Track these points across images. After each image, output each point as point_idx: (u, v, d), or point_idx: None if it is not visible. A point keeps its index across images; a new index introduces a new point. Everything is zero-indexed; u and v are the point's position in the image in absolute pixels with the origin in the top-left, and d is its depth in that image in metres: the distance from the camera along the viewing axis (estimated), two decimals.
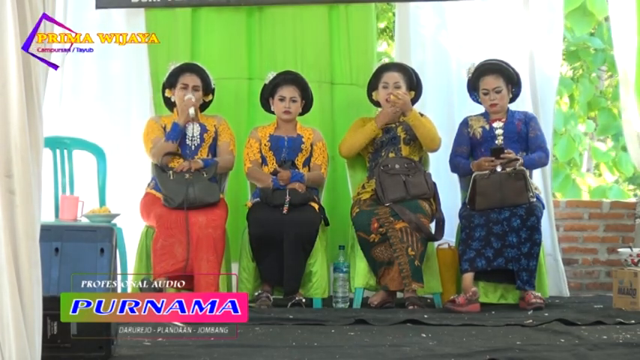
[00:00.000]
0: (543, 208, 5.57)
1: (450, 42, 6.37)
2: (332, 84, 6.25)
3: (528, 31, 6.23)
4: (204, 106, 5.79)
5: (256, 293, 5.40)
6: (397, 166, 5.57)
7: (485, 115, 5.75)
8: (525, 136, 5.68)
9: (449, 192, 5.95)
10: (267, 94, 5.78)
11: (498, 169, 5.44)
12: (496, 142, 5.60)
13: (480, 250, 5.38)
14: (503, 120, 5.70)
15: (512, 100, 5.78)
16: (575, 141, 9.06)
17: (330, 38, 6.26)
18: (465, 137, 5.76)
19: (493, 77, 5.71)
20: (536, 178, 5.96)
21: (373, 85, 5.82)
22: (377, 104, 5.86)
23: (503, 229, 5.38)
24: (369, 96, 5.87)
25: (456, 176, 5.88)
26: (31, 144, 2.86)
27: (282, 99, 5.72)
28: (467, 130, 5.75)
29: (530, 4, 6.26)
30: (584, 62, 9.26)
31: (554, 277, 6.11)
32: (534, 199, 5.42)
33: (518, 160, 5.46)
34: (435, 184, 5.63)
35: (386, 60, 6.12)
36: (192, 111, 5.57)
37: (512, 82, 5.73)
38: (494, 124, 5.67)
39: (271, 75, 5.78)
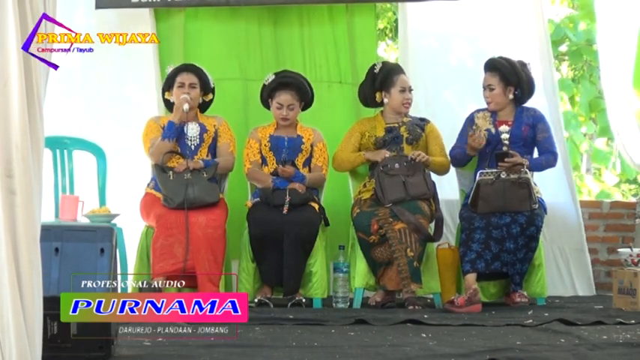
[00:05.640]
0: (545, 213, 5.56)
1: (451, 41, 6.36)
2: (333, 83, 6.25)
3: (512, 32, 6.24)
4: (204, 106, 5.77)
5: (256, 299, 5.40)
6: (397, 166, 5.55)
7: (492, 115, 5.71)
8: (532, 141, 5.65)
9: (450, 192, 5.95)
10: (266, 96, 5.75)
11: (503, 175, 5.43)
12: (503, 148, 5.56)
13: (480, 252, 5.39)
14: (510, 123, 5.62)
15: (520, 101, 5.68)
16: (577, 142, 9.06)
17: (334, 38, 6.27)
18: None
19: (489, 74, 5.67)
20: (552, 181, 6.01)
21: (384, 85, 5.67)
22: (379, 104, 5.79)
23: (502, 235, 5.38)
24: (372, 95, 5.78)
25: (454, 177, 5.87)
26: (32, 144, 2.86)
27: (279, 107, 5.68)
28: (472, 129, 5.70)
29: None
30: (585, 62, 9.26)
31: (582, 275, 6.19)
32: (536, 207, 5.42)
33: (522, 164, 5.44)
34: (434, 183, 5.62)
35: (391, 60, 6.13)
36: (186, 107, 5.52)
37: (510, 81, 5.61)
38: (501, 128, 5.59)
39: (270, 77, 5.73)
